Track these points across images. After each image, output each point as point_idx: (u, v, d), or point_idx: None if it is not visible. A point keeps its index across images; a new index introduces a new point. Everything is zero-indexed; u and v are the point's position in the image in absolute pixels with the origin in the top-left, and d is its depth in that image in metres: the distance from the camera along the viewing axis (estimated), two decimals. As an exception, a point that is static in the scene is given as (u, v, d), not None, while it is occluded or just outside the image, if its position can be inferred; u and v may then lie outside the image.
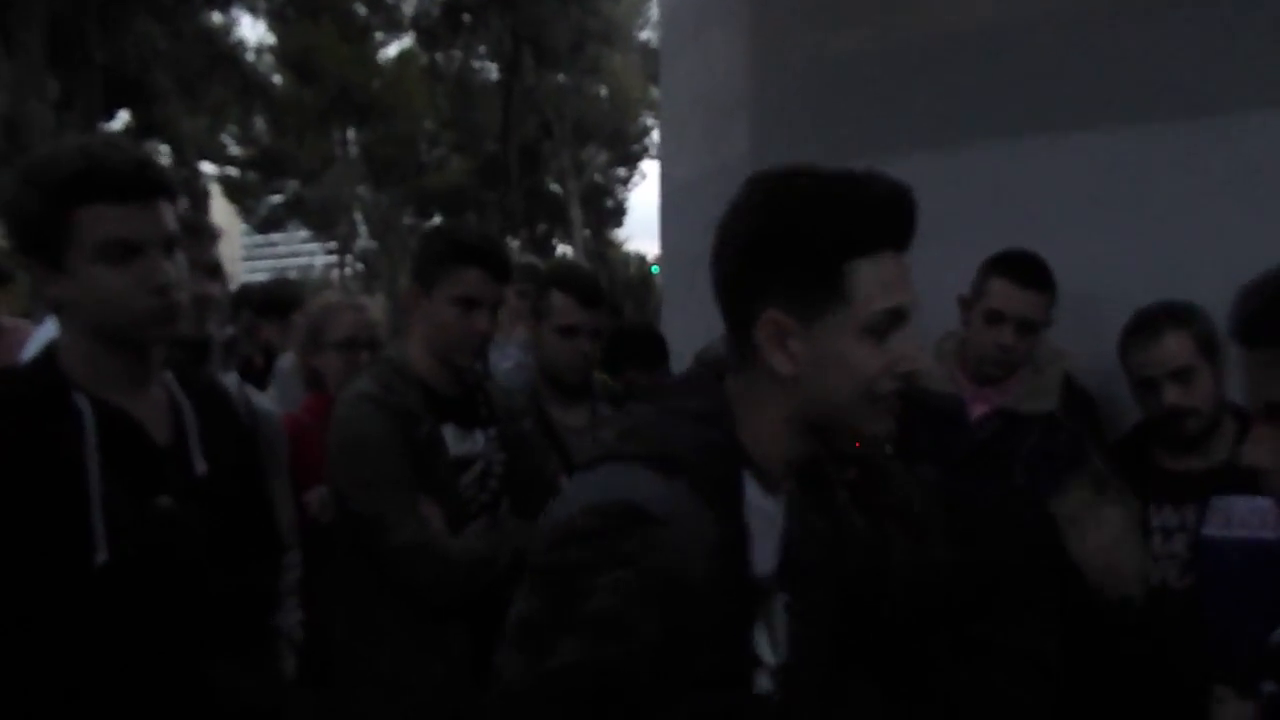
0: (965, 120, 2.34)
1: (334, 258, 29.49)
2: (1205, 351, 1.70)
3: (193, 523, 1.19)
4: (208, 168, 22.74)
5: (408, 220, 25.24)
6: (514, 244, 24.94)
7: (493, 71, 23.72)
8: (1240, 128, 1.96)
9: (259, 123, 23.80)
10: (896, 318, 0.89)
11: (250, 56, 21.48)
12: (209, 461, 1.23)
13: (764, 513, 0.95)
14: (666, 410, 0.95)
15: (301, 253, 47.28)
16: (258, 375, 4.12)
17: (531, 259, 3.90)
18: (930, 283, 2.21)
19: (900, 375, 0.90)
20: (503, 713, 0.84)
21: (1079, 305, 2.02)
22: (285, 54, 22.46)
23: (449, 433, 1.74)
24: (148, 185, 1.14)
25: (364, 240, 27.41)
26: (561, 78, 23.26)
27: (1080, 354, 2.01)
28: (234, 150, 24.58)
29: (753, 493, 0.93)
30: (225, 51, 18.58)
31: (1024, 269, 1.82)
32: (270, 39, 22.93)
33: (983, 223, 2.25)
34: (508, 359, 2.58)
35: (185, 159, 18.74)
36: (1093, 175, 2.13)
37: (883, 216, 0.88)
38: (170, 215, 1.17)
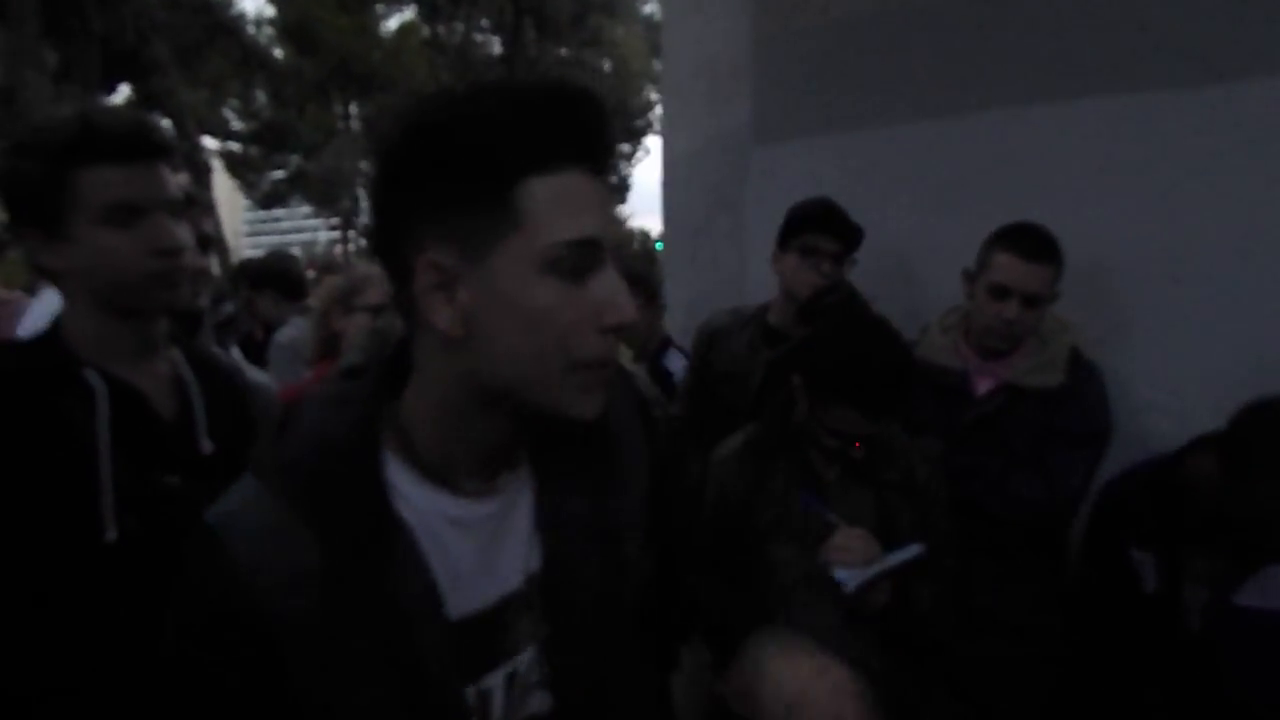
0: (970, 88, 2.29)
1: (337, 233, 29.38)
2: None
3: (200, 501, 1.17)
4: (209, 142, 22.62)
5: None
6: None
7: (495, 44, 23.48)
8: (1250, 94, 1.92)
9: (260, 96, 23.64)
10: (588, 251, 0.70)
11: (250, 29, 21.28)
12: (214, 439, 1.22)
13: (441, 515, 0.76)
14: (330, 394, 0.78)
15: (304, 228, 47.18)
16: (258, 349, 4.12)
17: None
18: (935, 253, 2.22)
19: (606, 329, 0.71)
20: None
21: (1086, 277, 1.99)
22: (284, 25, 22.24)
23: None
24: (148, 146, 1.13)
25: (366, 215, 27.25)
26: (564, 50, 23.02)
27: (1088, 326, 1.98)
28: (236, 125, 24.43)
29: (420, 495, 0.75)
30: (224, 23, 18.38)
31: (1029, 242, 1.78)
32: (269, 10, 22.72)
33: (988, 192, 2.22)
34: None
35: (186, 132, 18.63)
36: (1100, 143, 2.09)
37: (561, 122, 0.69)
38: (171, 179, 1.16)
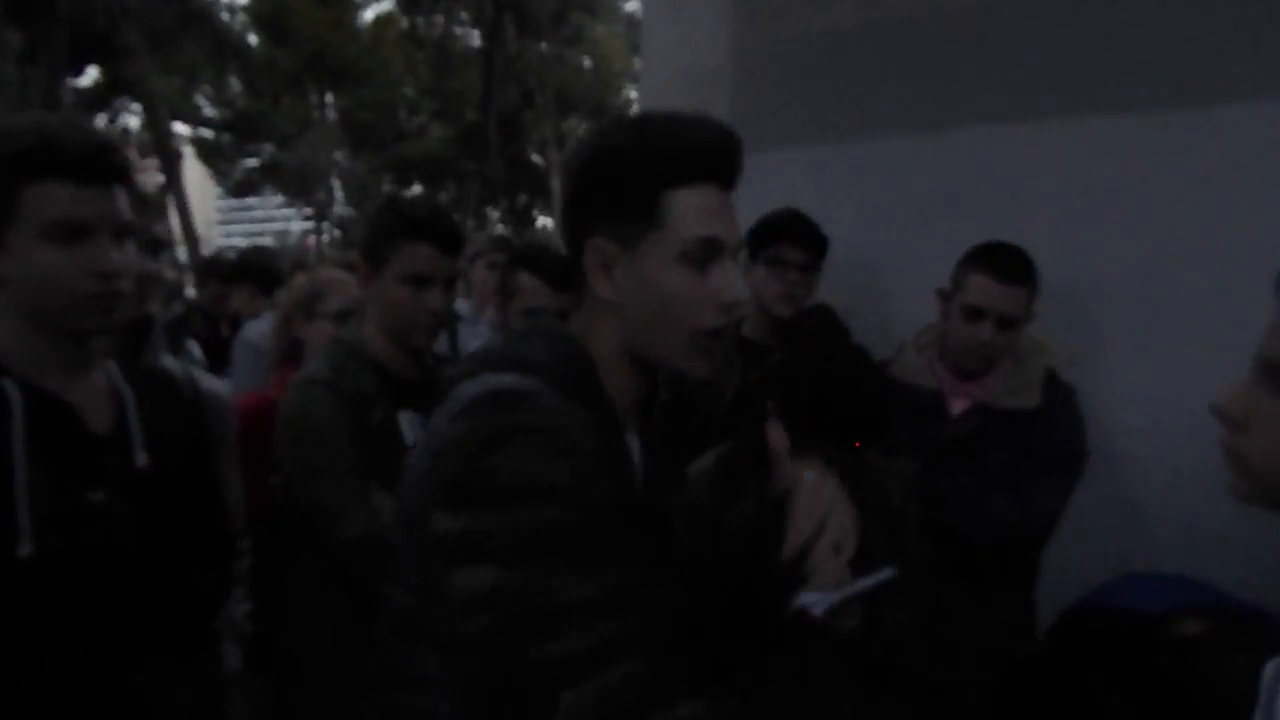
0: (949, 104, 2.28)
1: (310, 224, 29.04)
2: None
3: (126, 518, 1.13)
4: (181, 129, 22.25)
5: (386, 187, 24.87)
6: (494, 214, 24.72)
7: (474, 38, 23.31)
8: (1227, 118, 1.92)
9: (234, 84, 23.29)
10: (713, 247, 0.92)
11: (224, 16, 20.94)
12: (151, 452, 1.18)
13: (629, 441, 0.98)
14: (508, 338, 0.99)
15: (277, 218, 46.60)
16: (224, 345, 4.03)
17: (503, 231, 3.82)
18: (911, 269, 2.19)
19: (721, 309, 0.93)
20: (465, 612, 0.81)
21: (1063, 297, 1.97)
22: (258, 14, 21.92)
23: (405, 419, 1.65)
24: (106, 169, 1.10)
25: (341, 207, 27.00)
26: (544, 47, 22.90)
27: (1064, 347, 1.96)
28: (208, 112, 24.06)
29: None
30: (197, 10, 18.07)
31: (1004, 264, 1.76)
32: (242, -1, 22.39)
33: (966, 208, 2.20)
34: (476, 338, 2.51)
35: (157, 119, 18.32)
36: (1078, 163, 2.08)
37: (702, 149, 0.93)
38: (124, 202, 1.13)
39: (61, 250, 1.07)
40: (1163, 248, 1.97)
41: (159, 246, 1.57)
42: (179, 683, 1.17)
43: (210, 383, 1.70)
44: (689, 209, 0.91)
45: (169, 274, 2.25)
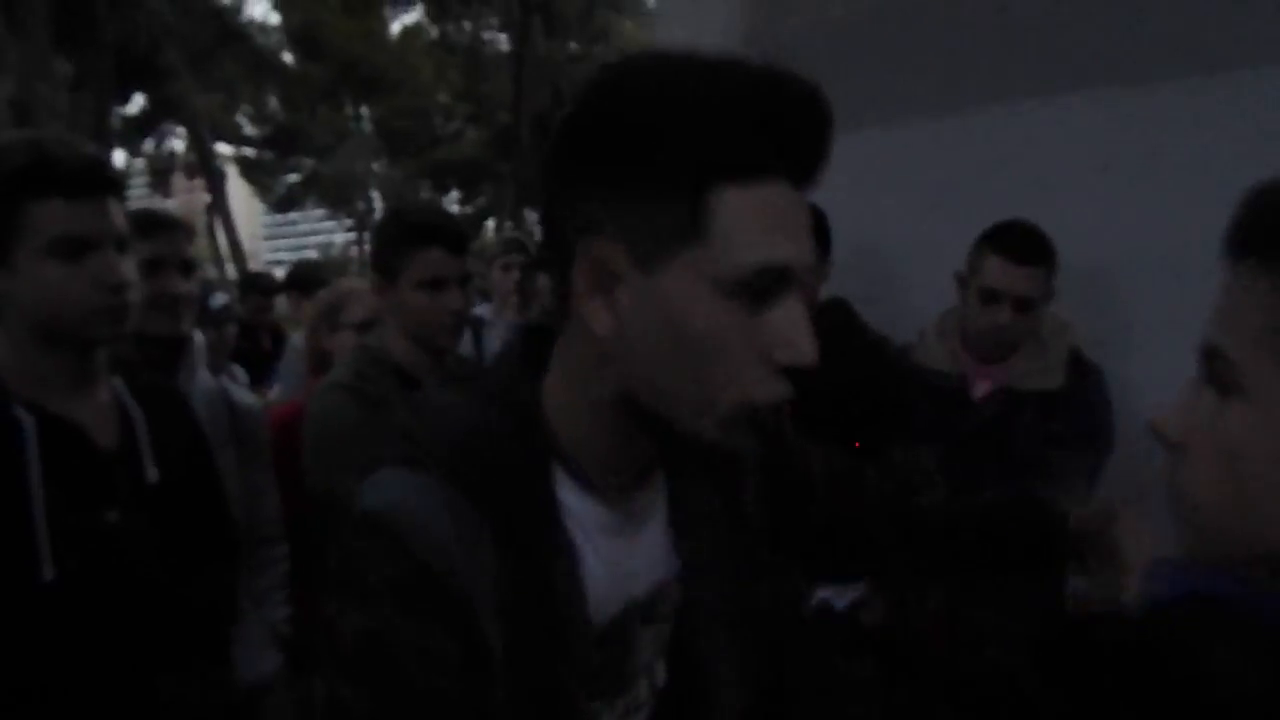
0: (964, 86, 2.25)
1: (352, 234, 29.54)
2: None
3: (142, 535, 1.16)
4: (223, 148, 22.81)
5: (424, 194, 25.19)
6: (532, 216, 24.87)
7: (503, 42, 23.48)
8: (1249, 86, 1.86)
9: (272, 100, 23.79)
10: (777, 280, 0.61)
11: (258, 35, 21.41)
12: (161, 468, 1.21)
13: (598, 523, 0.71)
14: (462, 390, 0.73)
15: (320, 230, 47.46)
16: (266, 358, 4.16)
17: (517, 233, 3.87)
18: (930, 254, 2.18)
19: (781, 368, 0.62)
20: None
21: (1086, 276, 1.94)
22: (291, 30, 22.35)
23: None
24: (100, 182, 1.13)
25: (380, 215, 27.41)
26: (572, 45, 22.98)
27: (1088, 326, 1.94)
28: (249, 130, 24.61)
29: (565, 494, 0.69)
30: (235, 29, 18.50)
31: (1019, 244, 1.74)
32: (275, 17, 22.87)
33: (984, 191, 2.17)
34: (497, 341, 2.55)
35: (200, 139, 18.78)
36: (1097, 139, 2.04)
37: (772, 123, 0.60)
38: (120, 214, 1.16)
39: (67, 265, 1.10)
40: (1186, 221, 1.91)
41: (190, 266, 1.62)
42: (196, 692, 1.20)
43: (242, 396, 1.77)
44: (746, 216, 0.59)
45: (221, 296, 2.32)
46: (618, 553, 0.72)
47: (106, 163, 1.15)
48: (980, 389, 1.86)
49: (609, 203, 0.61)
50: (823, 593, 1.43)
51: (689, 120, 0.58)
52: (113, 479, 1.16)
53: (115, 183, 1.15)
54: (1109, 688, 1.57)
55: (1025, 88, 2.15)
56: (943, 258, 1.97)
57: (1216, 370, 0.56)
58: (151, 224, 1.51)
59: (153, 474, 1.19)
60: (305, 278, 4.51)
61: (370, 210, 26.96)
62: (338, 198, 26.29)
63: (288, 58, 22.67)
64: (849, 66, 2.52)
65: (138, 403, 1.23)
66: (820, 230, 2.09)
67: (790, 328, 0.62)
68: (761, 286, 0.60)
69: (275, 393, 2.74)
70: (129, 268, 1.15)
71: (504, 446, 0.67)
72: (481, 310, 2.84)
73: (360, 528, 0.64)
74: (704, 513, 0.78)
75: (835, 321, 1.97)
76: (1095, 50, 2.06)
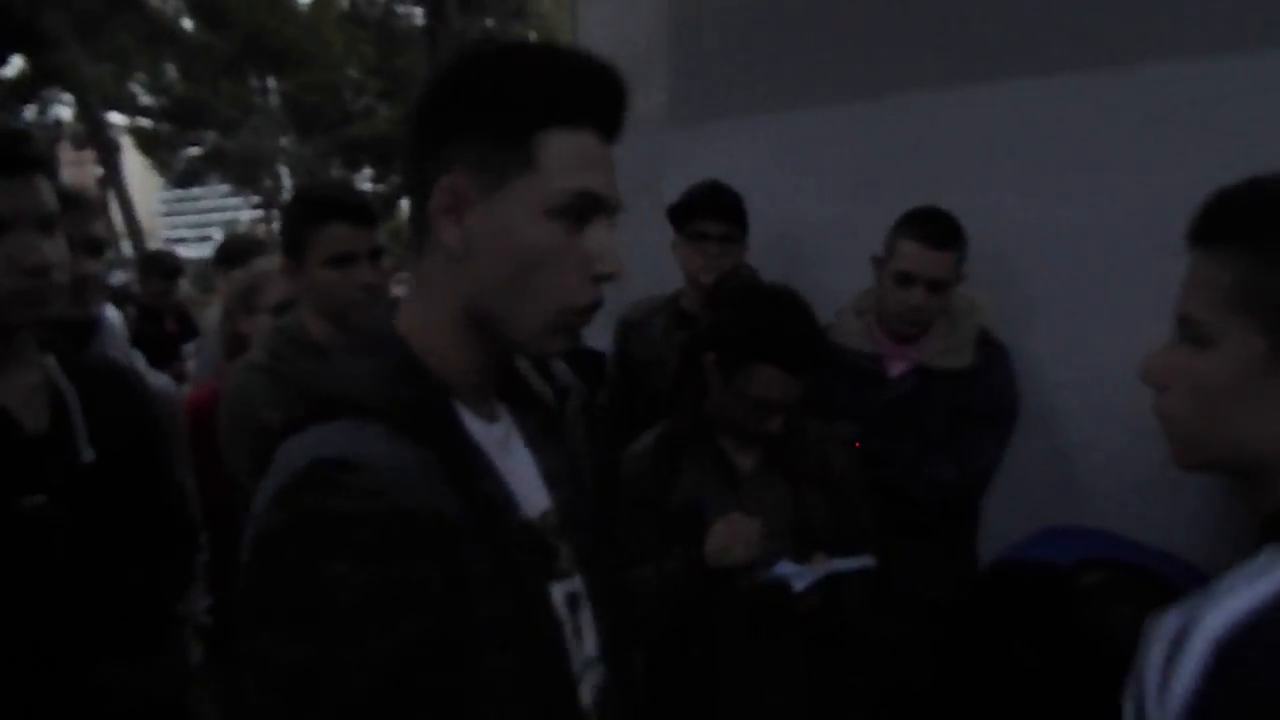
0: (883, 71, 2.32)
1: (259, 212, 28.42)
2: None
3: (70, 520, 1.13)
4: (117, 119, 21.58)
5: (335, 171, 24.39)
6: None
7: (417, 16, 22.85)
8: (1152, 77, 1.97)
9: (170, 70, 22.60)
10: (591, 203, 0.77)
11: (155, 1, 20.27)
12: (98, 447, 1.17)
13: (492, 440, 0.81)
14: (340, 349, 0.83)
15: (225, 207, 45.48)
16: (170, 341, 3.98)
17: None
18: (850, 236, 2.24)
19: (593, 280, 0.77)
20: None
21: (996, 258, 2.03)
22: (192, -2, 21.26)
23: None
24: (20, 160, 1.08)
25: (289, 193, 26.45)
26: (489, 22, 22.54)
27: (997, 307, 2.03)
28: (145, 100, 23.32)
29: (467, 419, 0.79)
30: (127, -6, 17.49)
31: (933, 230, 1.82)
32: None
33: (903, 175, 2.25)
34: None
35: (90, 109, 17.73)
36: (1010, 127, 2.13)
37: (585, 86, 0.78)
38: (48, 192, 1.11)
39: None
40: (1090, 207, 2.03)
41: (98, 246, 1.54)
42: (140, 678, 1.18)
43: (155, 379, 1.70)
44: (566, 154, 0.76)
45: (118, 275, 2.21)
46: (509, 471, 0.81)
47: (30, 139, 1.10)
48: (895, 367, 1.93)
49: (462, 145, 0.76)
50: (785, 569, 1.45)
51: (525, 79, 0.76)
52: (41, 462, 1.12)
53: (36, 160, 1.10)
54: (1018, 645, 1.67)
55: (938, 76, 2.23)
56: (860, 239, 2.03)
57: (1189, 331, 0.76)
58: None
59: (88, 454, 1.16)
60: (238, 252, 4.19)
61: (278, 188, 25.97)
62: (244, 175, 25.22)
63: (188, 24, 21.56)
64: (771, 49, 2.56)
65: (72, 382, 1.19)
66: (737, 210, 2.13)
67: (601, 245, 0.78)
68: (579, 210, 0.76)
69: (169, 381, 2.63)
70: (54, 248, 1.11)
71: (406, 385, 0.76)
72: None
73: (324, 476, 0.66)
74: (560, 469, 0.89)
75: (740, 278, 2.01)
76: (1005, 41, 2.14)
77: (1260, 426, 0.72)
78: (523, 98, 0.75)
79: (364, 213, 1.64)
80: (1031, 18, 2.11)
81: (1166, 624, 0.67)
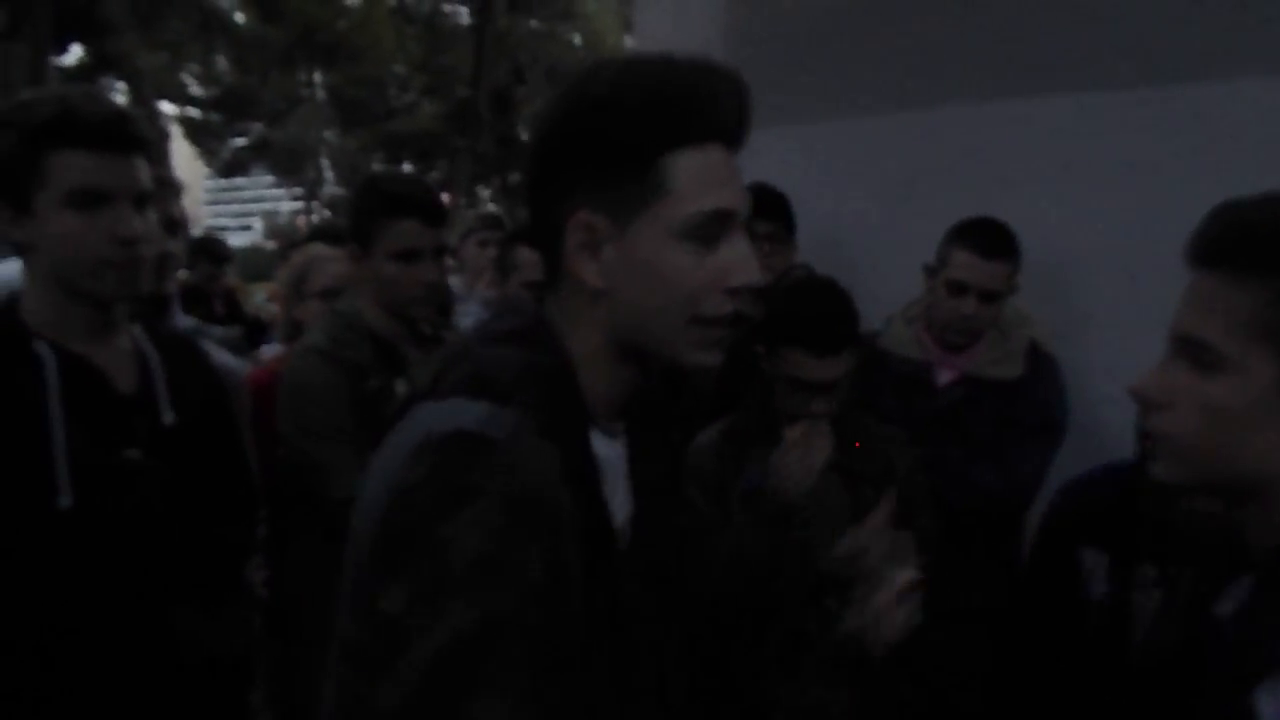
0: (937, 81, 2.32)
1: (300, 203, 28.85)
2: None
3: (159, 472, 1.20)
4: (168, 108, 22.02)
5: (376, 166, 24.67)
6: (485, 192, 24.61)
7: (464, 15, 23.09)
8: (1208, 96, 1.96)
9: (221, 61, 23.03)
10: (724, 221, 0.77)
11: (210, -9, 20.67)
12: (177, 412, 1.25)
13: (610, 456, 0.83)
14: (482, 338, 0.82)
15: (267, 198, 46.21)
16: (220, 323, 4.08)
17: (494, 209, 3.85)
18: (899, 245, 2.25)
19: (731, 292, 0.78)
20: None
21: (1046, 271, 2.03)
22: (246, -11, 21.65)
23: (403, 387, 1.69)
24: (123, 138, 1.15)
25: (331, 186, 26.82)
26: (534, 22, 22.71)
27: (1047, 319, 2.03)
28: (195, 90, 23.79)
29: (594, 433, 0.81)
30: (183, -15, 17.85)
31: (987, 239, 1.82)
32: (230, -26, 22.04)
33: (952, 185, 2.25)
34: (469, 316, 2.55)
35: (142, 96, 18.12)
36: (1061, 140, 2.13)
37: (707, 102, 0.77)
38: (145, 171, 1.18)
39: (83, 216, 1.13)
40: (1142, 222, 2.02)
41: (176, 226, 1.60)
42: (213, 627, 1.24)
43: (223, 356, 1.76)
44: (694, 175, 0.75)
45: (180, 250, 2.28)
46: (610, 488, 0.83)
47: (134, 120, 1.16)
48: (943, 376, 1.94)
49: (589, 180, 0.77)
50: None
51: (644, 105, 0.75)
52: (131, 421, 1.20)
53: (140, 140, 1.16)
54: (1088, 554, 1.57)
55: (993, 87, 2.23)
56: (909, 248, 2.04)
57: (1194, 353, 0.77)
58: None
59: (169, 417, 1.23)
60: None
61: (320, 180, 26.35)
62: (287, 165, 25.62)
63: (240, 17, 21.95)
64: (823, 58, 2.58)
65: (157, 350, 1.26)
66: (783, 209, 2.14)
67: (738, 257, 0.79)
68: (711, 229, 0.77)
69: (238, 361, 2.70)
70: (146, 224, 1.17)
71: (559, 388, 0.78)
72: (451, 284, 2.83)
73: (467, 447, 0.69)
74: (651, 475, 0.90)
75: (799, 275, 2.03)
76: (1061, 55, 2.14)
77: (1268, 451, 0.74)
78: (646, 125, 0.75)
79: (436, 211, 1.68)
80: (1088, 33, 2.11)
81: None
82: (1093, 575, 1.54)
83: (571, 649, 0.71)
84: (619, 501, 0.84)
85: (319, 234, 3.50)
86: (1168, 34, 2.01)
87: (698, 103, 0.76)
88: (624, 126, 0.75)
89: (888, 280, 2.30)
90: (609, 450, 0.83)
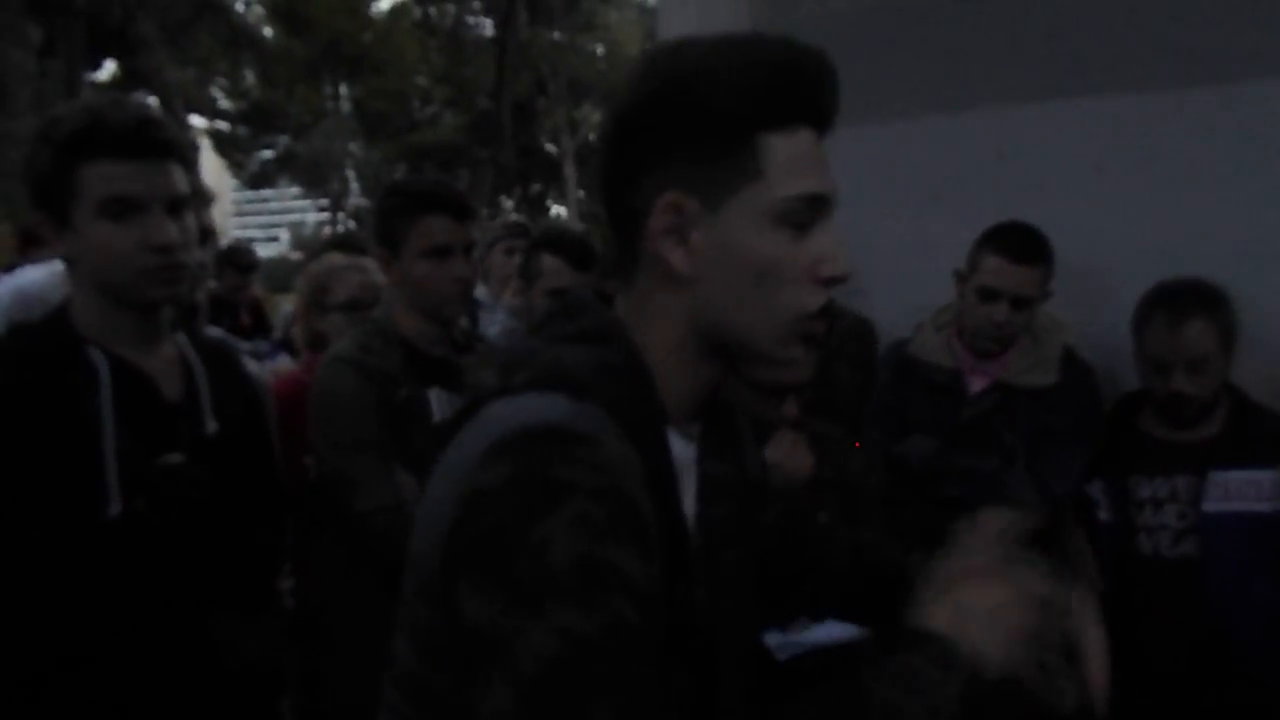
0: (966, 84, 2.29)
1: (326, 215, 29.18)
2: (1224, 341, 1.68)
3: (205, 479, 1.21)
4: (197, 121, 22.39)
5: (400, 177, 24.92)
6: (508, 203, 24.76)
7: (487, 27, 23.30)
8: (1248, 95, 1.92)
9: (248, 75, 23.39)
10: (817, 207, 0.73)
11: (239, 7, 21.03)
12: (219, 420, 1.26)
13: (684, 459, 0.79)
14: (548, 338, 0.77)
15: (293, 209, 46.80)
16: (245, 335, 4.11)
17: (519, 217, 3.86)
18: (929, 250, 2.22)
19: (824, 283, 0.73)
20: None
21: (1081, 276, 1.99)
22: (274, 4, 22.00)
23: (434, 396, 1.67)
24: (152, 143, 1.15)
25: (356, 197, 27.12)
26: (556, 34, 22.86)
27: (1081, 325, 1.99)
28: (223, 104, 24.17)
29: (670, 434, 0.76)
30: (212, 1, 18.16)
31: (1018, 245, 1.78)
32: (257, -10, 22.41)
33: (984, 189, 2.22)
34: (495, 324, 2.55)
35: (172, 111, 18.43)
36: (1096, 143, 2.09)
37: (801, 82, 0.73)
38: (178, 176, 1.18)
39: (116, 226, 1.13)
40: (1179, 226, 1.98)
41: (208, 234, 1.61)
42: (249, 635, 1.24)
43: (251, 365, 1.76)
44: (789, 158, 0.72)
45: (209, 259, 2.29)
46: (684, 488, 0.78)
47: (161, 125, 1.16)
48: (975, 383, 1.90)
49: (677, 162, 0.72)
50: (770, 638, 1.42)
51: (738, 84, 0.71)
52: (176, 427, 1.20)
53: (169, 144, 1.16)
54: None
55: (1025, 89, 2.20)
56: (940, 253, 2.01)
57: None
58: None
59: (211, 426, 1.24)
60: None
61: (345, 191, 26.65)
62: (313, 177, 25.94)
63: (268, 32, 22.29)
64: (851, 61, 2.54)
65: (200, 359, 1.27)
66: None
67: (830, 247, 0.74)
68: (805, 214, 0.73)
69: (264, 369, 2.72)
70: (181, 230, 1.17)
71: (636, 388, 0.73)
72: (477, 293, 2.83)
73: (554, 440, 0.64)
74: (718, 475, 0.84)
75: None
76: (1095, 56, 2.10)
77: None
78: (740, 104, 0.71)
79: (462, 207, 1.67)
80: (1121, 34, 2.07)
81: None
82: (1099, 500, 1.79)
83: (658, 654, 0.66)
84: (687, 504, 0.79)
85: (336, 244, 3.51)
86: (1202, 34, 1.97)
87: (791, 83, 0.72)
88: (724, 98, 0.71)
89: (919, 286, 2.27)
90: (684, 452, 0.79)
